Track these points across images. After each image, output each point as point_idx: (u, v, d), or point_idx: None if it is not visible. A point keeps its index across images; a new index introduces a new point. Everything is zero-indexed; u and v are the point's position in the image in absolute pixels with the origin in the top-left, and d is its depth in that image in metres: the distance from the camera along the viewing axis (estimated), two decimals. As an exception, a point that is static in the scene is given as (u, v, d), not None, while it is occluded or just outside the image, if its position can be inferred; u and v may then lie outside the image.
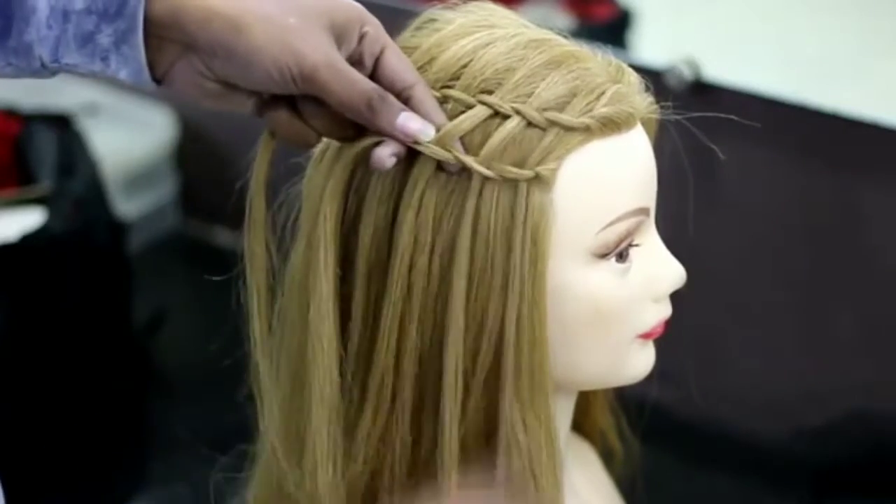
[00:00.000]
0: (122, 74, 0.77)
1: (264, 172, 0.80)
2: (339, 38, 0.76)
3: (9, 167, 1.74)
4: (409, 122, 0.76)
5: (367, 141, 0.77)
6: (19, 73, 0.79)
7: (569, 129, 0.77)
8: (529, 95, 0.77)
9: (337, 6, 0.77)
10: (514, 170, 0.76)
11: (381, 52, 0.77)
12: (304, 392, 0.80)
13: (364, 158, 0.78)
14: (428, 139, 0.76)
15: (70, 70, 0.79)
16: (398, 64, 0.77)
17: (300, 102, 0.77)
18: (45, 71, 0.78)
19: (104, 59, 0.77)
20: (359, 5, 0.78)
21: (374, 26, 0.77)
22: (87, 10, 0.75)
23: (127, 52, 0.76)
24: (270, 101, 0.78)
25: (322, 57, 0.75)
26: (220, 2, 0.75)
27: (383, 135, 0.76)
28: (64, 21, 0.76)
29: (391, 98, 0.76)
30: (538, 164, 0.76)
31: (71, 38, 0.76)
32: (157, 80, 0.78)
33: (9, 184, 1.72)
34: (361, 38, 0.77)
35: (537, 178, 0.76)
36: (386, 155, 0.76)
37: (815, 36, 1.77)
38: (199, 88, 0.77)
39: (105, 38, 0.76)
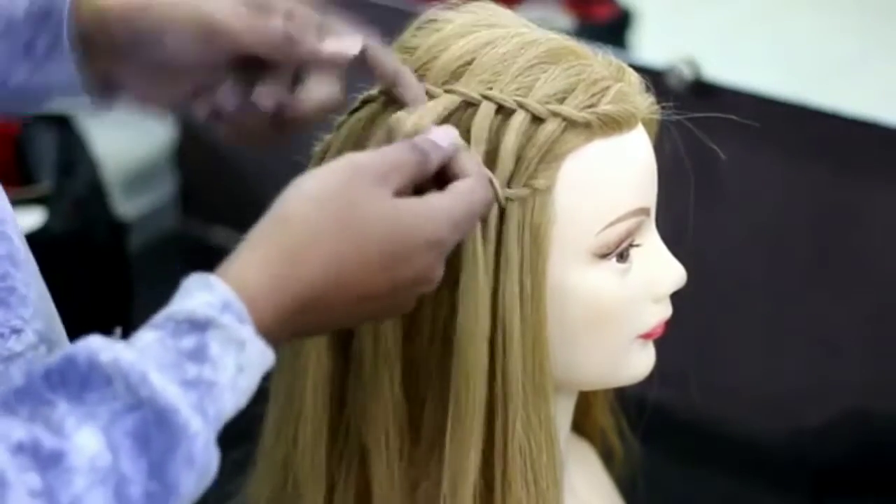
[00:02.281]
0: (56, 83, 0.79)
1: None
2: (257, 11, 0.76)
3: (9, 167, 1.74)
4: (331, 42, 0.76)
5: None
6: None
7: (571, 122, 0.77)
8: (530, 88, 0.77)
9: None
10: (523, 191, 0.76)
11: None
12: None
13: None
14: (354, 52, 0.76)
15: (23, 91, 0.80)
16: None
17: (222, 96, 0.78)
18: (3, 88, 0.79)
19: (42, 68, 0.78)
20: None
21: (303, 14, 0.77)
22: (27, 17, 0.77)
23: (62, 55, 0.77)
24: (208, 101, 0.78)
25: (229, 9, 0.75)
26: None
27: (311, 62, 0.76)
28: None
29: (308, 28, 0.76)
30: (539, 168, 0.76)
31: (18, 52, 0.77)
32: (97, 92, 0.79)
33: (9, 184, 1.71)
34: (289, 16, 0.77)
35: (540, 186, 0.76)
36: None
37: (815, 36, 1.77)
38: (134, 92, 0.78)
39: (42, 45, 0.78)
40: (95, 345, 0.61)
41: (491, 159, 0.76)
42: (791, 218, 1.53)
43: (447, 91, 0.77)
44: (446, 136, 0.74)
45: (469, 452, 0.78)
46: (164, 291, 0.68)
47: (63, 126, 1.76)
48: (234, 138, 0.80)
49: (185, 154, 2.04)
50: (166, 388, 0.61)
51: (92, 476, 0.59)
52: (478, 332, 0.76)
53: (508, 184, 0.76)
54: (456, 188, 0.72)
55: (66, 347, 0.62)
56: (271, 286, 0.66)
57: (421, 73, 0.79)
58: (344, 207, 0.68)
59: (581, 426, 0.96)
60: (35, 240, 1.54)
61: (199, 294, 0.64)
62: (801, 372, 1.55)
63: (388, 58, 0.78)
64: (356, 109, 0.80)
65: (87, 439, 0.59)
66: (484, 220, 0.75)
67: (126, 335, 0.64)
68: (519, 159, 0.76)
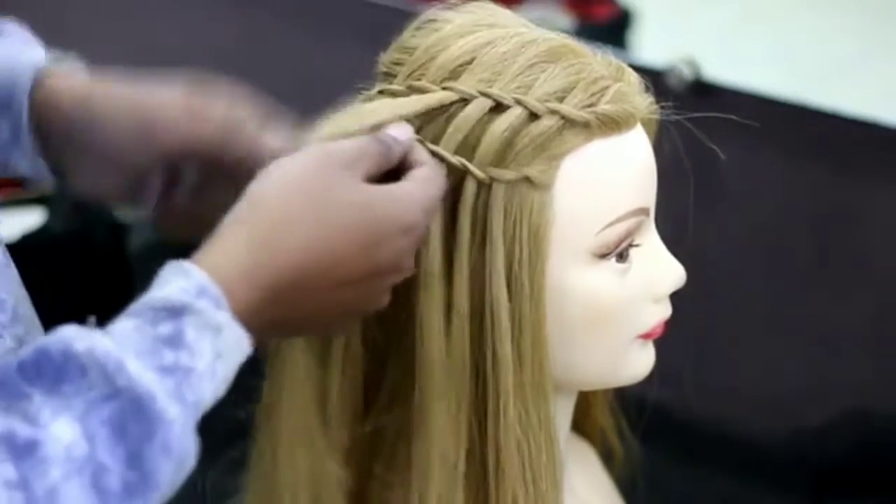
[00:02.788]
0: (22, 168, 0.80)
1: None
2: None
3: (9, 167, 1.74)
4: (270, 138, 0.78)
5: None
6: None
7: (569, 120, 0.77)
8: (530, 87, 0.77)
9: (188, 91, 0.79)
10: (509, 173, 0.76)
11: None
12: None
13: None
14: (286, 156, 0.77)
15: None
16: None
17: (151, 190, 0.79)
18: None
19: (6, 152, 0.79)
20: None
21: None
22: None
23: (24, 143, 0.79)
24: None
25: (169, 102, 0.77)
26: (93, 82, 0.78)
27: (251, 157, 0.77)
28: None
29: (246, 120, 0.78)
30: (534, 162, 0.76)
31: None
32: (55, 178, 0.80)
33: (9, 184, 1.72)
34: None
35: (535, 179, 0.76)
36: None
37: (815, 36, 1.77)
38: (80, 181, 0.80)
39: (5, 132, 0.79)
40: (69, 334, 0.61)
41: (470, 144, 0.76)
42: (791, 218, 1.52)
43: (445, 88, 0.77)
44: (403, 132, 0.75)
45: (432, 453, 0.78)
46: (163, 291, 0.68)
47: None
48: (165, 230, 0.81)
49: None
50: (143, 375, 0.60)
51: (68, 466, 0.58)
52: (435, 316, 0.77)
53: (493, 165, 0.76)
54: (417, 175, 0.73)
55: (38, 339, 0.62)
56: (247, 272, 0.65)
57: (420, 72, 0.79)
58: (317, 192, 0.68)
59: (581, 426, 0.96)
60: (35, 240, 1.55)
61: (174, 281, 0.64)
62: (801, 372, 1.55)
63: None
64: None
65: (62, 429, 0.59)
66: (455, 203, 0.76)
67: (102, 324, 0.64)
68: (509, 145, 0.76)
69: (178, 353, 0.62)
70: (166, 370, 0.61)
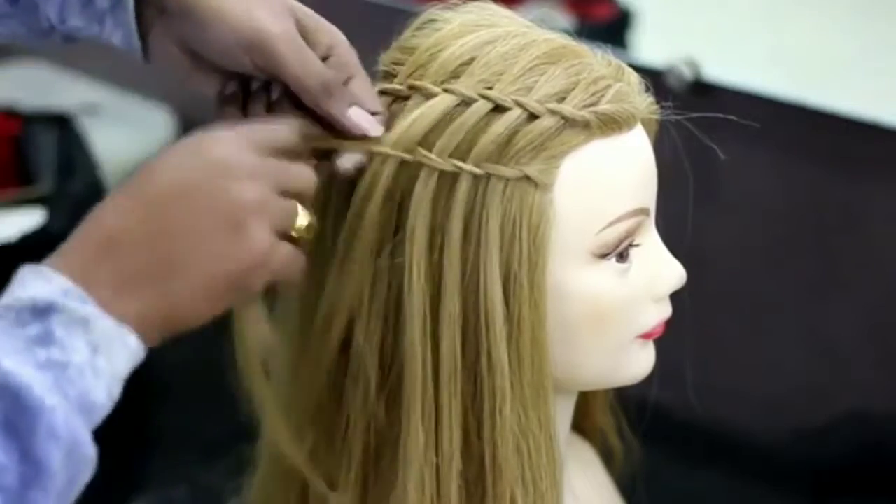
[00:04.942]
0: (115, 39, 0.79)
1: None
2: (303, 37, 0.76)
3: (9, 167, 1.74)
4: (361, 115, 0.76)
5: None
6: (30, 35, 0.80)
7: (570, 120, 0.77)
8: (530, 89, 0.77)
9: (310, 14, 0.77)
10: (506, 169, 0.76)
11: (349, 79, 0.77)
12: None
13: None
14: (377, 134, 0.76)
15: (75, 34, 0.80)
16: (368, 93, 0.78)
17: (251, 104, 0.77)
18: (54, 33, 0.79)
19: (101, 21, 0.78)
20: (336, 32, 0.78)
21: (344, 52, 0.77)
22: None
23: (121, 14, 0.77)
24: (229, 95, 0.78)
25: (282, 30, 0.75)
26: None
27: (331, 121, 0.76)
28: None
29: (345, 88, 0.76)
30: (534, 161, 0.76)
31: (74, 0, 0.77)
32: (144, 55, 0.79)
33: (9, 184, 1.72)
34: (327, 56, 0.77)
35: (534, 178, 0.76)
36: (349, 164, 0.77)
37: (815, 36, 1.77)
38: (169, 58, 0.78)
39: (103, 1, 0.77)
40: None
41: (467, 143, 0.76)
42: (791, 218, 1.52)
43: (445, 90, 0.77)
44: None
45: (415, 455, 0.78)
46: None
47: (63, 126, 1.76)
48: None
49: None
50: (20, 370, 0.60)
51: None
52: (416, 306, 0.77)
53: (490, 162, 0.76)
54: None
55: None
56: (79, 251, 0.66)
57: (420, 72, 0.79)
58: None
59: (581, 426, 0.96)
60: (35, 240, 1.55)
61: (35, 283, 0.63)
62: (801, 372, 1.55)
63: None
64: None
65: None
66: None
67: None
68: (508, 144, 0.76)
69: (49, 349, 0.62)
70: (42, 366, 0.62)
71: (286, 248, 0.69)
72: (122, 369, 0.65)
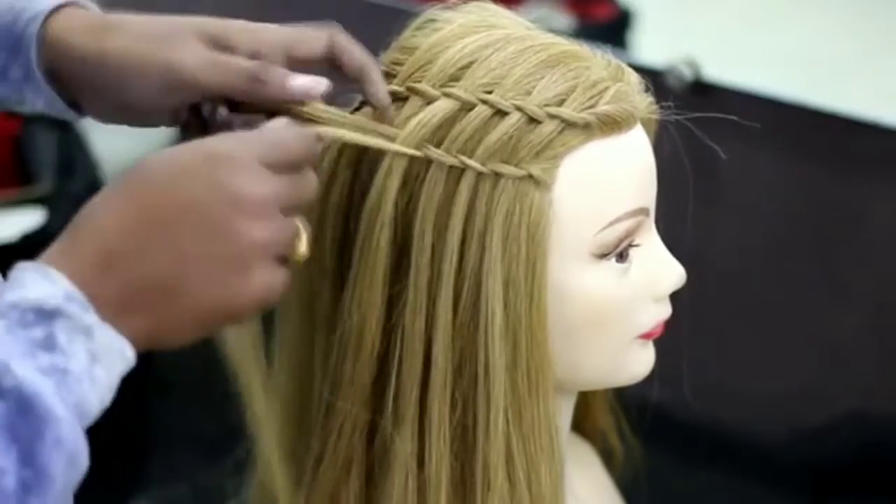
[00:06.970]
0: (40, 106, 0.79)
1: None
2: (215, 43, 0.76)
3: (9, 167, 1.74)
4: (298, 79, 0.76)
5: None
6: None
7: (570, 123, 0.77)
8: (529, 93, 0.77)
9: (218, 23, 0.77)
10: (510, 168, 0.76)
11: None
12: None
13: (361, 161, 0.78)
14: (321, 91, 0.75)
15: (4, 102, 0.80)
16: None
17: (210, 127, 0.77)
18: None
19: (19, 90, 0.79)
20: (256, 27, 0.78)
21: (269, 39, 0.77)
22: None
23: (37, 83, 0.78)
24: (185, 124, 0.78)
25: (191, 58, 0.75)
26: (98, 17, 0.76)
27: (277, 103, 0.76)
28: None
29: (274, 67, 0.76)
30: (535, 161, 0.76)
31: None
32: (75, 114, 0.79)
33: (9, 184, 1.72)
34: (256, 52, 0.77)
35: (536, 178, 0.76)
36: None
37: (815, 36, 1.77)
38: (110, 116, 0.79)
39: (16, 72, 0.78)
40: None
41: (469, 146, 0.76)
42: (791, 218, 1.52)
43: (445, 94, 0.77)
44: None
45: (404, 455, 0.79)
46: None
47: (63, 126, 1.76)
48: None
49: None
50: (27, 374, 0.60)
51: None
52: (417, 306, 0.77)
53: (494, 161, 0.76)
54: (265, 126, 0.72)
55: None
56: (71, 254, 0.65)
57: (420, 73, 0.79)
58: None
59: (581, 426, 0.96)
60: (35, 240, 1.55)
61: (41, 284, 0.63)
62: (801, 372, 1.55)
63: (355, 53, 0.78)
64: (357, 109, 0.81)
65: None
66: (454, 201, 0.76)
67: None
68: (509, 145, 0.76)
69: (52, 355, 0.62)
70: (45, 371, 0.61)
71: (281, 278, 0.68)
72: (116, 379, 0.65)
